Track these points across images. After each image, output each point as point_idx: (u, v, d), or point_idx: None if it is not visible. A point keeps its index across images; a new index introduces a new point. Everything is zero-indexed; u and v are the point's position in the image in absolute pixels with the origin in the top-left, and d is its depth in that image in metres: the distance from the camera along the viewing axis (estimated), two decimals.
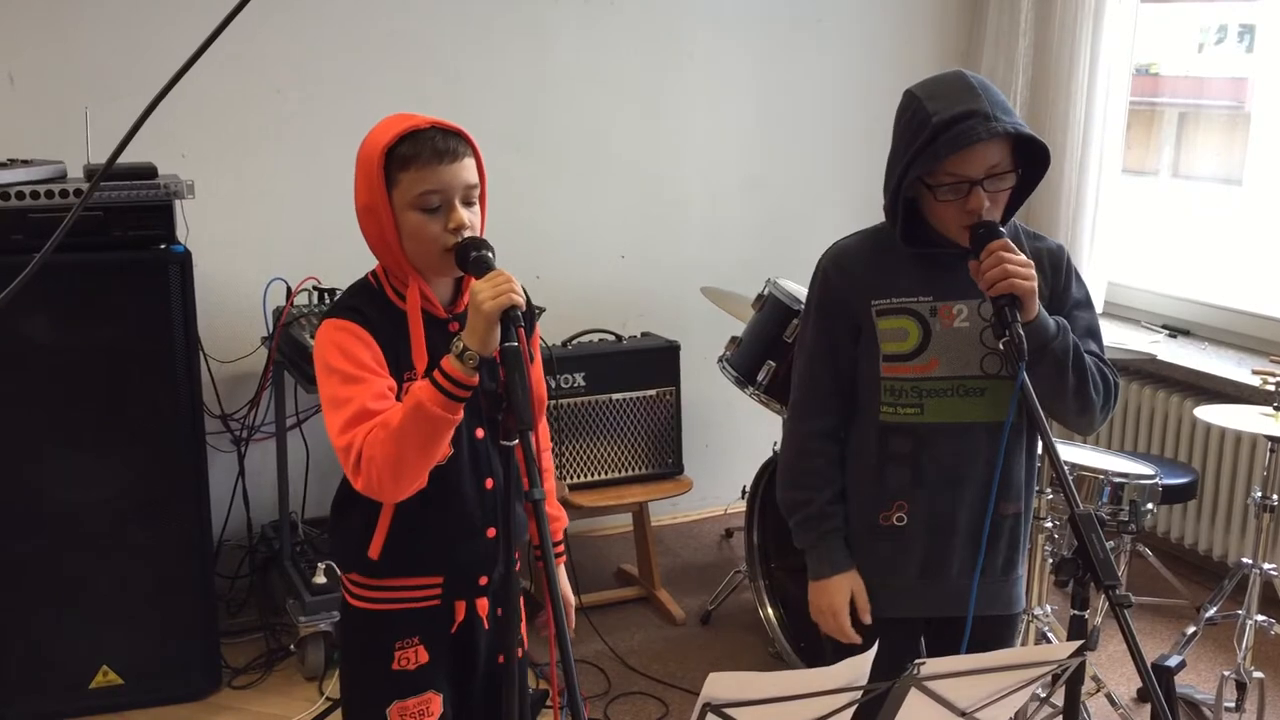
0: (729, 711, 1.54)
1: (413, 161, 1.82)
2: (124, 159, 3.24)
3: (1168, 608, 3.95)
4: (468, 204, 1.87)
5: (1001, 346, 1.93)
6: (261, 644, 3.64)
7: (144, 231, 3.18)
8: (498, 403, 1.73)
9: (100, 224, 3.13)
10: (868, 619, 2.14)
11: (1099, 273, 4.54)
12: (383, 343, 1.87)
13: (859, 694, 1.57)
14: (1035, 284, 1.93)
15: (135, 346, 3.19)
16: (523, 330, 1.73)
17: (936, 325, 2.06)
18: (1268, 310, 4.28)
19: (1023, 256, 1.94)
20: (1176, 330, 4.47)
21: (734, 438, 4.58)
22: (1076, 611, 1.77)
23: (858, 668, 1.56)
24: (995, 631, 2.18)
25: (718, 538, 4.56)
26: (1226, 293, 4.44)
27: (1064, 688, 1.81)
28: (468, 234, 1.86)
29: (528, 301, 2.11)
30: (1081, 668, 1.76)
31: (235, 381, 3.79)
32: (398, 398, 1.85)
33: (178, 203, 3.24)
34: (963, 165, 1.92)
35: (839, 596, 2.14)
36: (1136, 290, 4.67)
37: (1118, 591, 1.69)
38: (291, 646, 3.55)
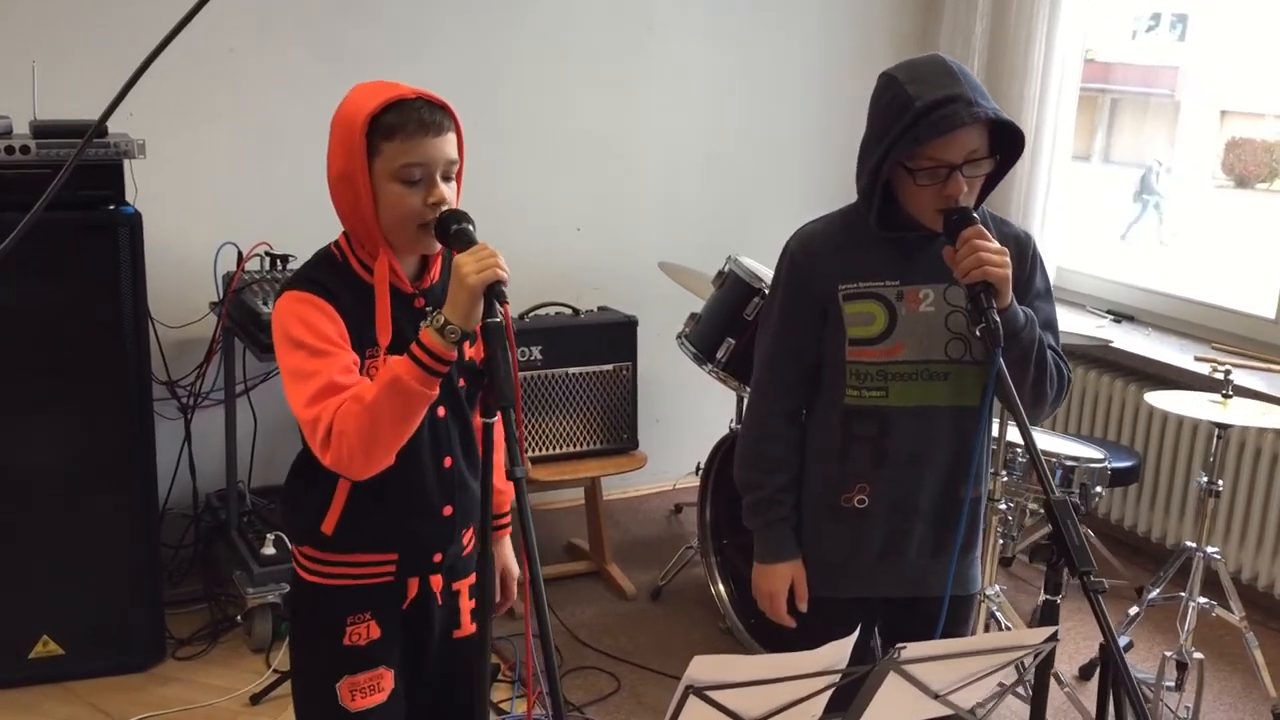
0: (710, 694, 1.55)
1: (398, 132, 1.78)
2: (71, 116, 3.18)
3: (1109, 589, 4.02)
4: (447, 179, 1.83)
5: (978, 333, 1.94)
6: (206, 614, 3.59)
7: (93, 191, 3.08)
8: (479, 378, 1.71)
9: (47, 183, 3.01)
10: (804, 606, 2.18)
11: (1049, 258, 4.60)
12: (346, 317, 1.83)
13: (839, 677, 1.58)
14: (1009, 271, 1.94)
15: (82, 310, 3.10)
16: (507, 306, 1.70)
17: (902, 309, 2.07)
18: (1205, 296, 4.36)
19: (996, 244, 1.95)
20: (1121, 315, 4.54)
21: (685, 413, 4.59)
22: (1049, 596, 1.80)
23: (839, 651, 1.57)
24: (954, 611, 2.20)
25: (667, 513, 4.57)
26: (1164, 278, 4.52)
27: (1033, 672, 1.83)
28: (449, 207, 1.83)
29: None
30: (1052, 652, 1.79)
31: (182, 347, 3.71)
32: (360, 374, 1.82)
33: (127, 163, 3.16)
34: (944, 150, 1.92)
35: (779, 583, 2.18)
36: (1081, 275, 4.74)
37: (1092, 577, 1.71)
38: (238, 618, 3.50)
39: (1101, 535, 4.18)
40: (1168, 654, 3.26)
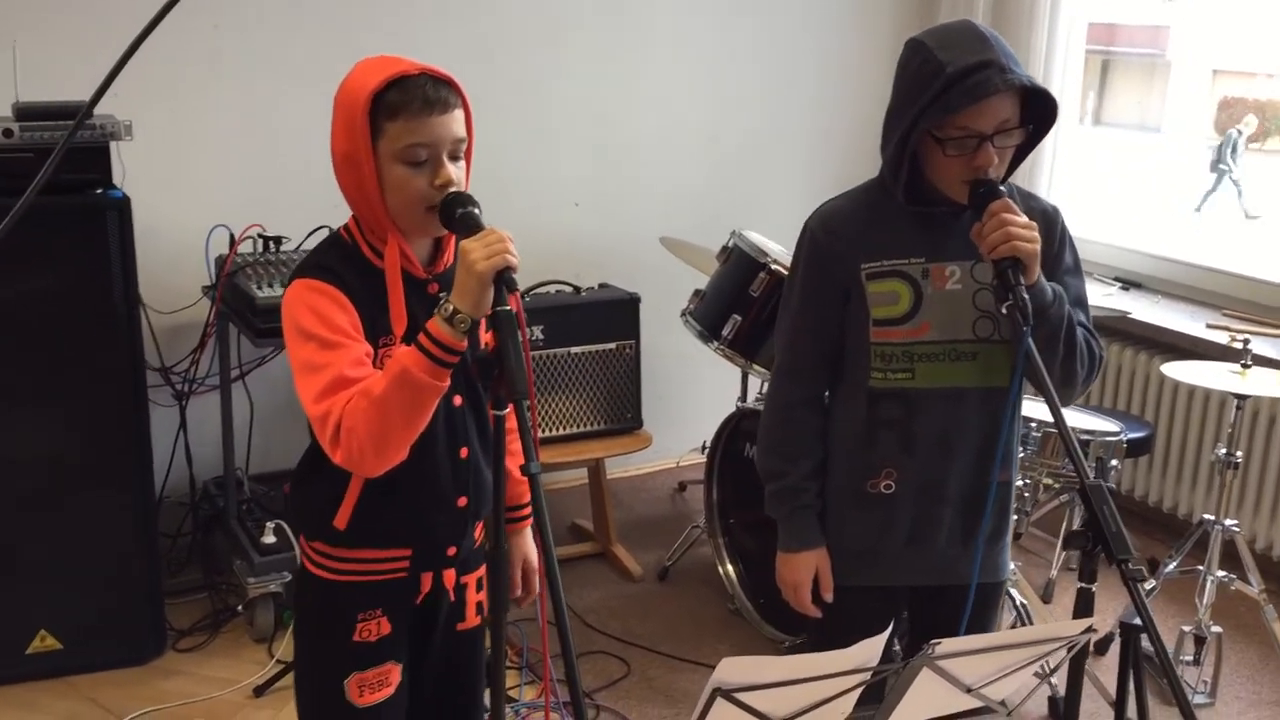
0: (738, 695, 1.49)
1: (401, 110, 1.70)
2: (55, 97, 3.08)
3: None
4: (454, 159, 1.75)
5: (1004, 310, 1.87)
6: (206, 604, 3.52)
7: (79, 175, 3.00)
8: (489, 369, 1.64)
9: (32, 166, 2.94)
10: (829, 596, 2.12)
11: None
12: (358, 305, 1.76)
13: (870, 675, 1.52)
14: (1038, 246, 1.88)
15: (71, 297, 3.02)
16: (517, 295, 1.62)
17: (928, 288, 2.00)
18: (1212, 262, 4.28)
19: (1025, 218, 1.88)
20: (1129, 283, 4.47)
21: (686, 390, 4.51)
22: (1085, 584, 1.73)
23: (870, 650, 1.51)
24: (982, 599, 2.15)
25: (671, 491, 4.51)
26: (1169, 243, 4.45)
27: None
28: (454, 190, 1.75)
29: None
30: (1088, 643, 1.73)
31: (175, 333, 3.62)
32: (375, 363, 1.75)
33: (114, 144, 3.07)
34: (975, 119, 1.85)
35: (803, 572, 2.11)
36: (1087, 242, 4.66)
37: (1131, 565, 1.65)
38: (239, 608, 3.43)
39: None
40: (1185, 628, 3.22)
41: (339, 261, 1.80)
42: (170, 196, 3.56)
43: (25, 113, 2.98)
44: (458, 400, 1.87)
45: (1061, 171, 4.50)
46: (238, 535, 3.46)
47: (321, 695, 1.96)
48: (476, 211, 1.72)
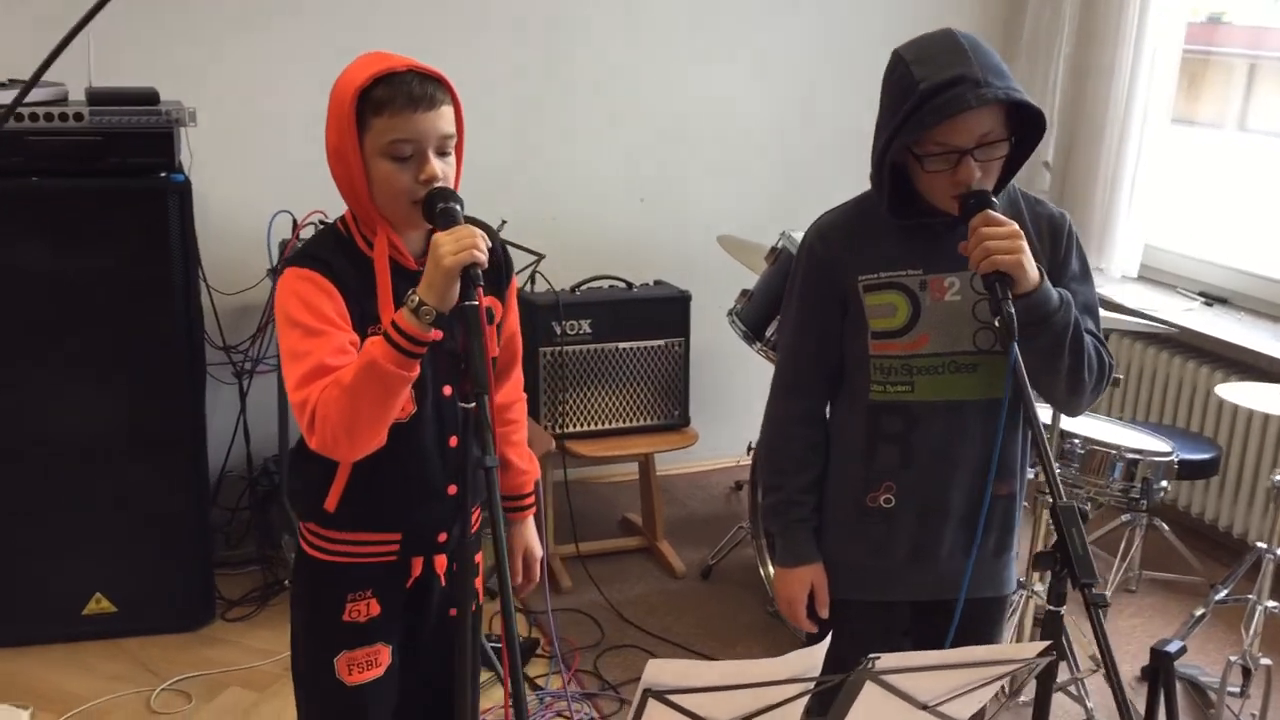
0: (673, 698, 1.49)
1: (386, 106, 1.74)
2: (129, 83, 3.21)
3: (1182, 584, 3.84)
4: (442, 154, 1.78)
5: (996, 324, 1.83)
6: (257, 577, 3.64)
7: (144, 159, 3.12)
8: (458, 363, 1.67)
9: (99, 149, 3.08)
10: (824, 613, 2.09)
11: (1136, 234, 4.38)
12: (347, 294, 1.80)
13: (809, 685, 1.51)
14: (1019, 255, 1.80)
15: (134, 276, 3.15)
16: (481, 290, 1.65)
17: (926, 300, 1.96)
18: None
19: (1007, 226, 1.81)
20: (1213, 298, 4.30)
21: (740, 389, 4.48)
22: (1052, 608, 1.69)
23: (809, 659, 1.50)
24: (985, 613, 2.11)
25: (727, 489, 4.50)
26: (1270, 260, 4.25)
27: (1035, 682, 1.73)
28: (439, 185, 1.78)
29: (504, 253, 2.03)
30: (1053, 666, 1.68)
31: (240, 313, 3.75)
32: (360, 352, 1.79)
33: (181, 130, 3.18)
34: (952, 135, 1.80)
35: (798, 588, 2.09)
36: (1174, 254, 4.50)
37: (1094, 590, 1.60)
38: (286, 582, 3.54)
39: (1179, 527, 3.99)
40: (1232, 658, 3.10)
41: (332, 250, 1.84)
42: (238, 181, 3.69)
43: (97, 97, 3.11)
44: (447, 390, 1.90)
45: (1145, 176, 4.35)
46: (289, 511, 3.57)
47: (312, 673, 2.01)
48: (457, 208, 1.75)
